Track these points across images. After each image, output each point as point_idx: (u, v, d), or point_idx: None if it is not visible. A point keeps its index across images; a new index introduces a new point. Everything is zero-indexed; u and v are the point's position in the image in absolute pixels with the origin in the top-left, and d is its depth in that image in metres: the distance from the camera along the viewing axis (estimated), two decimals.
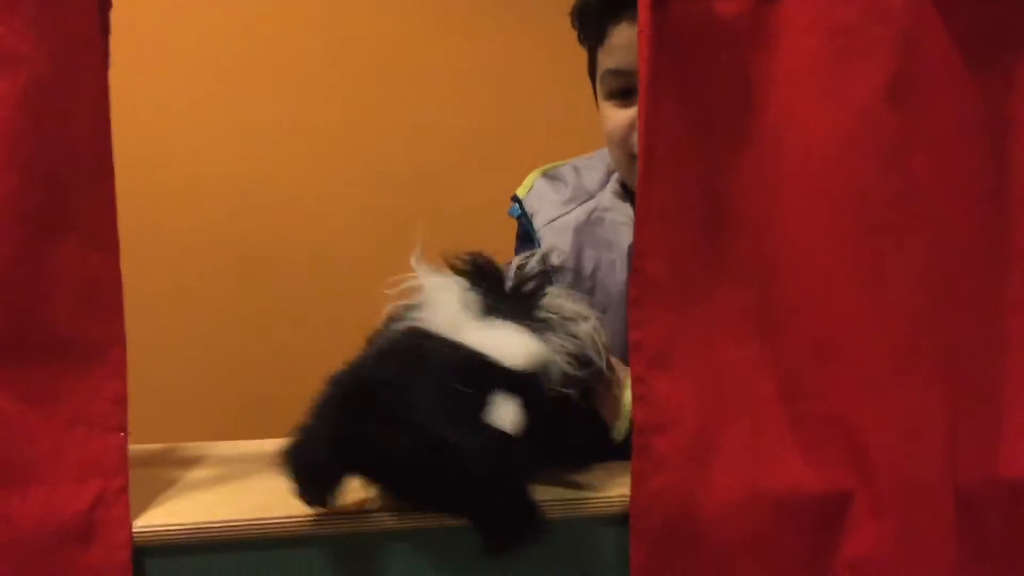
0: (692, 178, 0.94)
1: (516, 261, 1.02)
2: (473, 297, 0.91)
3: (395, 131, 2.28)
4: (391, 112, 2.27)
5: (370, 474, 0.89)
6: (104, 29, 0.89)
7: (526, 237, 1.28)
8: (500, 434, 0.76)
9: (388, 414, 0.81)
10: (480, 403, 0.76)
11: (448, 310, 0.88)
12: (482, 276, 0.97)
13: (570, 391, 0.90)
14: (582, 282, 1.21)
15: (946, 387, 0.93)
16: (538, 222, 1.26)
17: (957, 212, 0.94)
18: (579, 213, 1.26)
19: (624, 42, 1.14)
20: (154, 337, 1.99)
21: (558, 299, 0.99)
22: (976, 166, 0.96)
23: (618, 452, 1.00)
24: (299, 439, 0.88)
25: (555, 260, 1.17)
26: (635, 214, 0.93)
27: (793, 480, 0.93)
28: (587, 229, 1.24)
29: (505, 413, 0.75)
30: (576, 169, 1.32)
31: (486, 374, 0.77)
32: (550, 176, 1.32)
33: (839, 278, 0.92)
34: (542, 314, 0.95)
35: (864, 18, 0.91)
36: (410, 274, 0.95)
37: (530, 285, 0.99)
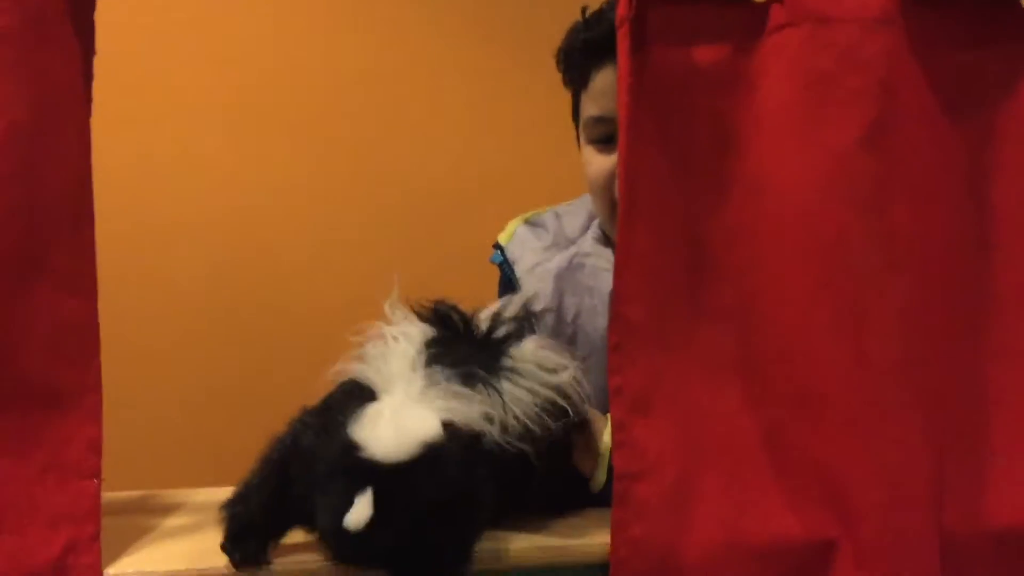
0: (672, 223, 0.94)
1: (495, 306, 1.02)
2: (430, 346, 0.91)
3: (381, 178, 2.29)
4: (377, 160, 2.28)
5: (310, 530, 0.90)
6: (87, 75, 0.90)
7: (508, 284, 1.28)
8: (352, 537, 0.76)
9: (301, 485, 0.85)
10: (347, 499, 0.77)
11: (396, 361, 0.89)
12: (444, 324, 0.97)
13: (525, 447, 0.89)
14: (563, 328, 1.21)
15: (929, 434, 0.93)
16: (520, 269, 1.26)
17: (937, 258, 0.94)
18: (560, 259, 1.26)
19: (607, 87, 1.15)
20: (131, 384, 1.97)
21: (539, 348, 0.98)
22: (955, 213, 0.96)
23: (599, 499, 0.99)
24: (237, 495, 0.90)
25: (537, 306, 1.16)
26: (615, 259, 0.93)
27: (775, 528, 0.92)
28: (568, 275, 1.24)
29: (360, 512, 0.76)
30: (557, 216, 1.33)
31: (356, 470, 0.78)
32: (532, 223, 1.32)
33: (819, 324, 0.92)
34: (509, 362, 0.94)
35: (841, 67, 0.91)
36: (377, 322, 0.95)
37: (502, 331, 0.99)
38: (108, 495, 0.88)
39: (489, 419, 0.87)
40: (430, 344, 0.93)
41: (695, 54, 0.94)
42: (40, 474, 0.85)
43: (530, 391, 0.92)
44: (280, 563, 0.88)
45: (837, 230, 0.91)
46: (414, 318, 0.98)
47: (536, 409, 0.91)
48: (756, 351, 0.94)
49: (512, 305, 1.02)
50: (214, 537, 0.94)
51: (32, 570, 0.82)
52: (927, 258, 0.94)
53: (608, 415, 0.95)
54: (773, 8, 0.93)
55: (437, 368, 0.88)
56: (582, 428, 1.01)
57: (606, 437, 1.02)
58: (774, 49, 0.93)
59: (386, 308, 0.96)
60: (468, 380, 0.88)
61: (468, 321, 0.99)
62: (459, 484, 0.82)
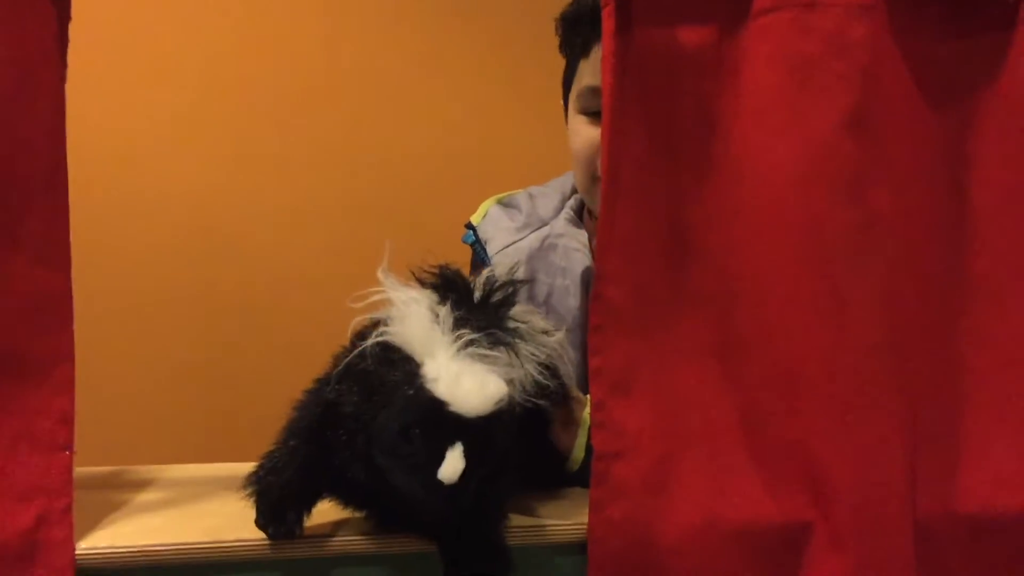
0: (654, 205, 0.94)
1: (482, 273, 1.01)
2: (443, 310, 0.90)
3: (360, 155, 2.27)
4: (355, 135, 2.27)
5: (339, 498, 0.90)
6: (62, 40, 0.88)
7: (479, 264, 1.27)
8: (446, 489, 0.78)
9: (351, 446, 0.83)
10: (435, 454, 0.78)
11: (419, 325, 0.87)
12: (450, 288, 0.95)
13: (541, 402, 0.91)
14: (535, 308, 1.21)
15: (906, 418, 0.93)
16: (491, 249, 1.26)
17: (917, 243, 0.95)
18: (532, 240, 1.26)
19: None
20: (106, 356, 1.95)
21: (526, 313, 0.98)
22: (935, 199, 0.97)
23: (578, 478, 0.99)
24: (266, 468, 0.87)
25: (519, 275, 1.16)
26: (597, 240, 0.93)
27: (752, 510, 0.92)
28: (540, 255, 1.24)
29: (455, 465, 0.78)
30: (531, 196, 1.32)
31: (444, 426, 0.79)
32: (504, 204, 1.32)
33: (799, 307, 0.92)
34: (511, 324, 0.94)
35: (825, 51, 0.92)
36: (377, 288, 0.93)
37: (498, 295, 0.98)
38: (80, 470, 0.87)
39: (511, 380, 0.87)
40: (449, 308, 0.91)
41: (680, 36, 0.93)
42: (11, 445, 0.83)
43: (533, 351, 0.93)
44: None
45: (818, 214, 0.92)
46: (414, 284, 0.96)
47: (545, 364, 0.93)
48: (736, 334, 0.94)
49: (500, 270, 1.02)
50: (188, 511, 0.94)
51: (3, 541, 0.80)
52: (907, 243, 0.94)
53: (588, 394, 0.95)
54: None
55: (464, 331, 0.87)
56: (563, 402, 1.01)
57: (585, 415, 1.01)
58: (759, 33, 0.93)
59: (379, 274, 0.95)
60: (493, 342, 0.88)
61: (469, 287, 0.98)
62: (512, 437, 0.85)
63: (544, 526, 0.92)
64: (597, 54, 1.16)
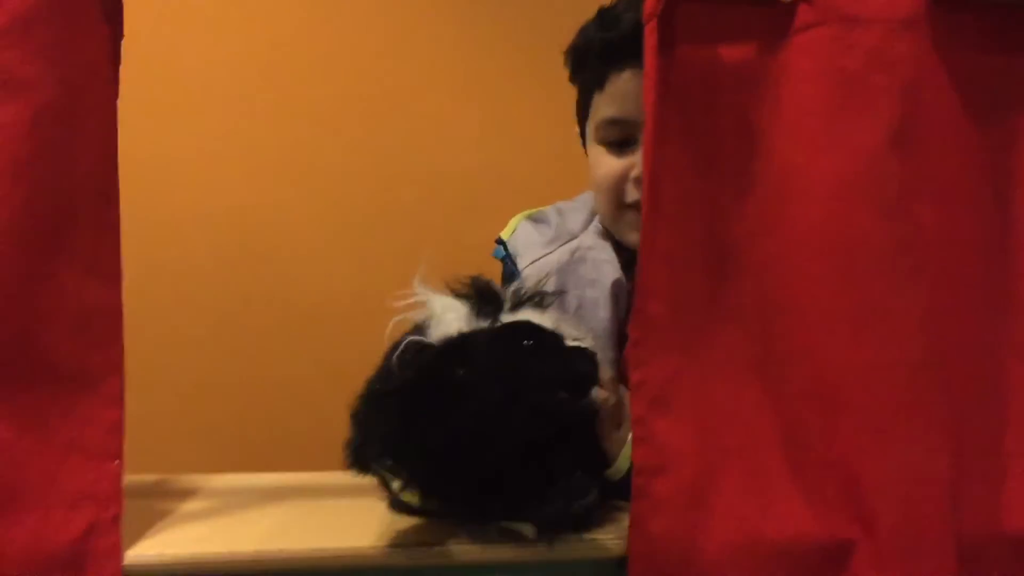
0: (695, 221, 0.94)
1: (514, 284, 1.03)
2: (477, 320, 0.93)
3: (392, 176, 2.29)
4: (388, 157, 2.29)
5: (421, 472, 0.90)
6: (115, 58, 0.90)
7: (510, 279, 1.28)
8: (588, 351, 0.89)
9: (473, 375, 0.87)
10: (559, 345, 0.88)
11: (456, 330, 0.91)
12: (483, 299, 0.98)
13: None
14: (566, 317, 1.21)
15: (948, 437, 0.93)
16: (521, 263, 1.26)
17: (960, 261, 0.94)
18: (561, 253, 1.26)
19: (627, 90, 1.14)
20: (154, 368, 1.98)
21: (557, 321, 1.00)
22: (979, 215, 0.96)
23: (619, 490, 0.99)
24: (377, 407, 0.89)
25: (549, 288, 1.16)
26: (639, 255, 0.93)
27: (794, 528, 0.92)
28: (569, 268, 1.24)
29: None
30: (560, 212, 1.33)
31: (552, 338, 0.90)
32: (534, 219, 1.33)
33: (841, 324, 0.92)
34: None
35: (868, 67, 0.91)
36: (415, 293, 0.96)
37: (528, 306, 1.01)
38: (127, 478, 0.88)
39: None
40: (478, 316, 0.95)
41: (721, 53, 0.94)
42: (63, 454, 0.85)
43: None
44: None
45: (861, 231, 0.91)
46: (448, 294, 0.99)
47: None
48: (776, 349, 0.94)
49: (528, 282, 1.05)
50: (233, 520, 0.95)
51: (53, 550, 0.82)
52: (950, 260, 0.94)
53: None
54: (800, 7, 0.93)
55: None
56: (611, 408, 1.02)
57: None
58: (800, 49, 0.93)
59: (415, 283, 0.96)
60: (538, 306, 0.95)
61: (500, 296, 1.01)
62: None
63: (584, 540, 0.92)
64: (612, 86, 1.17)
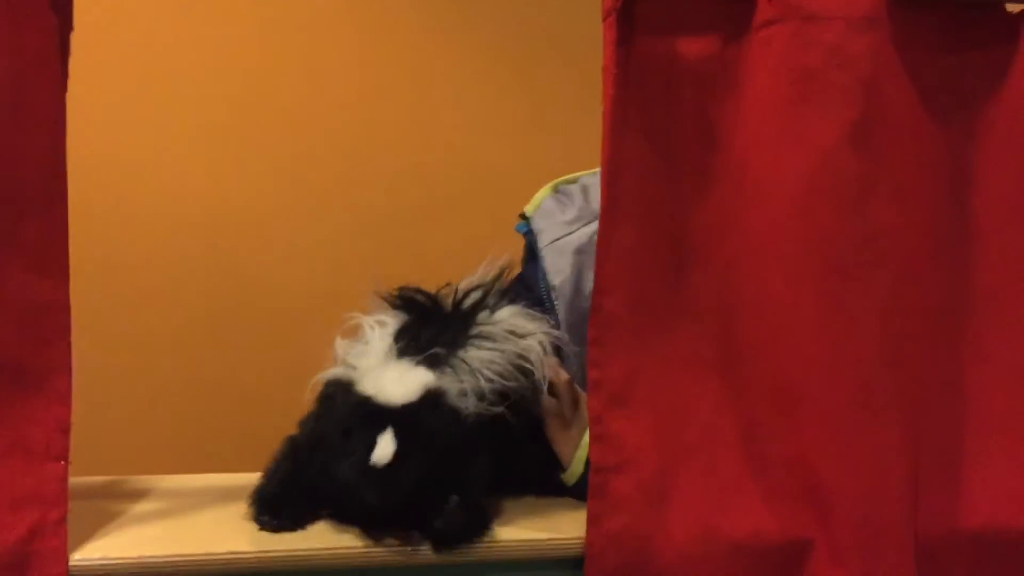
0: (655, 217, 0.94)
1: (470, 278, 1.05)
2: (399, 337, 0.97)
3: (366, 175, 2.27)
4: (363, 155, 2.27)
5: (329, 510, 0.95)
6: (63, 50, 0.88)
7: (531, 253, 1.28)
8: (379, 470, 0.85)
9: (312, 470, 0.93)
10: (369, 442, 0.85)
11: (374, 349, 0.96)
12: (411, 308, 1.02)
13: (500, 408, 0.95)
14: (580, 302, 1.20)
15: (907, 434, 0.93)
16: (542, 241, 1.26)
17: (918, 257, 0.94)
18: (582, 234, 1.25)
19: None
20: (104, 366, 1.95)
21: (513, 316, 1.02)
22: (936, 212, 0.96)
23: (577, 491, 0.99)
24: (258, 483, 0.97)
25: (556, 280, 1.19)
26: (596, 250, 0.92)
27: (752, 525, 0.91)
28: (589, 250, 1.23)
29: (386, 448, 0.85)
30: (584, 188, 1.31)
31: (374, 416, 0.87)
32: (559, 192, 1.32)
33: (800, 319, 0.91)
34: (476, 329, 0.99)
35: (827, 63, 0.91)
36: (355, 313, 1.01)
37: (470, 301, 1.03)
38: (74, 479, 0.86)
39: (463, 393, 0.93)
40: (399, 335, 0.98)
41: (681, 47, 0.93)
42: (5, 455, 0.83)
43: (500, 351, 0.97)
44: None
45: (820, 228, 0.91)
46: (387, 307, 1.02)
47: (509, 367, 0.97)
48: (736, 347, 0.94)
49: (483, 274, 1.06)
50: (183, 523, 0.94)
51: None
52: (908, 256, 0.94)
53: None
54: (760, 4, 0.93)
55: (405, 359, 0.94)
56: (558, 410, 1.02)
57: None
58: (760, 45, 0.93)
59: (370, 300, 1.01)
60: (434, 363, 0.94)
61: (435, 300, 1.04)
62: (459, 422, 0.91)
63: (542, 540, 0.92)
64: None
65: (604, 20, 0.91)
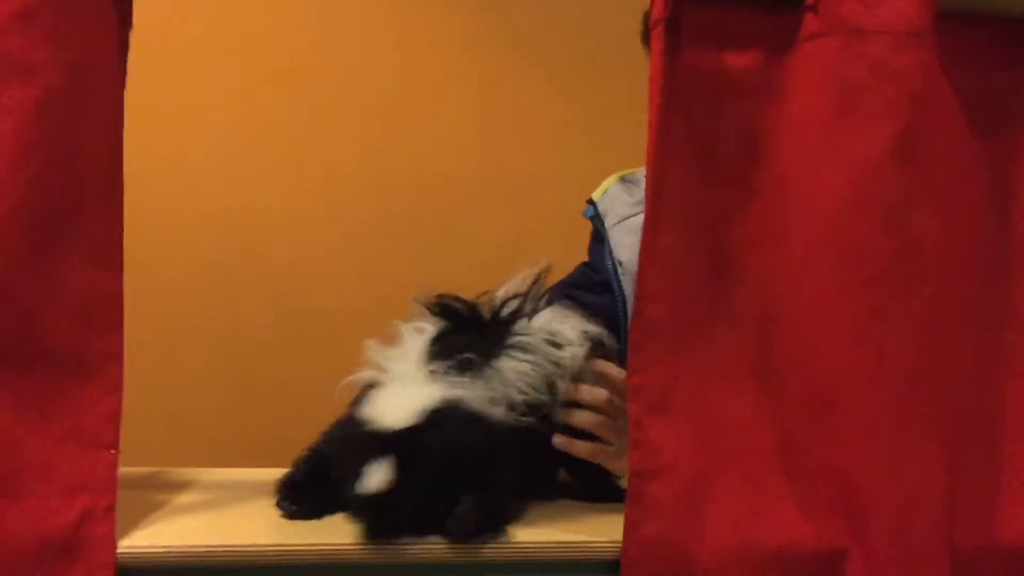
0: (697, 225, 0.94)
1: (507, 285, 1.06)
2: (434, 343, 0.98)
3: (391, 177, 2.29)
4: (388, 158, 2.29)
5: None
6: (123, 47, 0.90)
7: (597, 237, 1.29)
8: (369, 500, 0.84)
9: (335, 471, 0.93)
10: (358, 472, 0.84)
11: (405, 361, 0.96)
12: (449, 315, 1.02)
13: (529, 419, 0.96)
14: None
15: (944, 448, 0.93)
16: (608, 222, 1.27)
17: (959, 272, 0.94)
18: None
19: None
20: (152, 359, 1.97)
21: (552, 322, 1.03)
22: (979, 228, 0.96)
23: (616, 494, 0.99)
24: (287, 474, 0.99)
25: (621, 256, 1.21)
26: (639, 257, 0.93)
27: (788, 534, 0.92)
28: None
29: (372, 478, 0.83)
30: None
31: (367, 443, 0.86)
32: (626, 180, 1.33)
33: (839, 332, 0.92)
34: (513, 339, 0.99)
35: (872, 77, 0.92)
36: (395, 321, 1.02)
37: (509, 310, 1.03)
38: (123, 469, 0.88)
39: (492, 401, 0.93)
40: (434, 340, 0.99)
41: (727, 58, 0.94)
42: (59, 441, 0.84)
43: (534, 363, 0.98)
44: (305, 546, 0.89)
45: (861, 240, 0.92)
46: (426, 314, 1.04)
47: (544, 379, 0.98)
48: (775, 357, 0.94)
49: (521, 280, 1.06)
50: (227, 514, 0.95)
51: (46, 536, 0.82)
52: (949, 272, 0.94)
53: None
54: (807, 16, 0.94)
55: (436, 363, 0.95)
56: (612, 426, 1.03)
57: None
58: (806, 57, 0.94)
59: (412, 303, 1.02)
60: (464, 368, 0.94)
61: (473, 308, 1.04)
62: (466, 443, 0.90)
63: (578, 543, 0.92)
64: None
65: (652, 29, 0.92)
